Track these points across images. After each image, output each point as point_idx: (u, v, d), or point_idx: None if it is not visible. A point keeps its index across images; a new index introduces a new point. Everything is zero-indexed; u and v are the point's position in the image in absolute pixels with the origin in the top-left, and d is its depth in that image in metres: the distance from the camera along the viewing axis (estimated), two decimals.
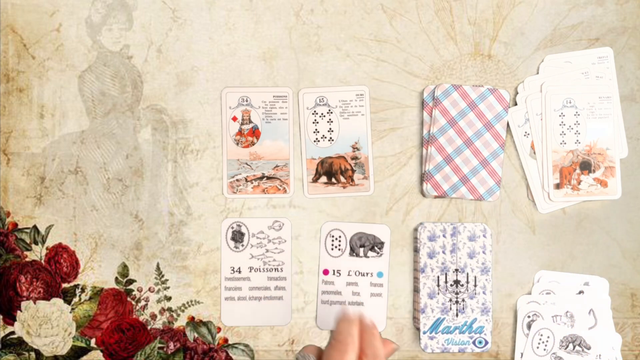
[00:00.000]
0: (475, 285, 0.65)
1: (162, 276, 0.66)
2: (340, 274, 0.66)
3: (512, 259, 0.67)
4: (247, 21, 0.66)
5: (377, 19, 0.66)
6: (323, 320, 0.66)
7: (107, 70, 0.66)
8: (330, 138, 0.65)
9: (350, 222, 0.66)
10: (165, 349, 0.66)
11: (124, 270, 0.66)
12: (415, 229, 0.66)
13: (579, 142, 0.65)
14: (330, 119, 0.65)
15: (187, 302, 0.66)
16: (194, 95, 0.66)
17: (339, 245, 0.66)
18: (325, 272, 0.66)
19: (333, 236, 0.66)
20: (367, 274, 0.66)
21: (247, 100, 0.66)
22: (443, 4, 0.66)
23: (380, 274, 0.65)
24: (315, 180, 0.65)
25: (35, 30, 0.66)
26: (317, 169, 0.65)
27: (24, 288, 0.66)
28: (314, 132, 0.65)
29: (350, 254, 0.66)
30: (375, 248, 0.65)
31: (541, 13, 0.67)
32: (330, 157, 0.65)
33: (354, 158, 0.66)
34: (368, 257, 0.65)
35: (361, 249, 0.65)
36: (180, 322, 0.66)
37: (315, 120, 0.65)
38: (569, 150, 0.65)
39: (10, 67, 0.66)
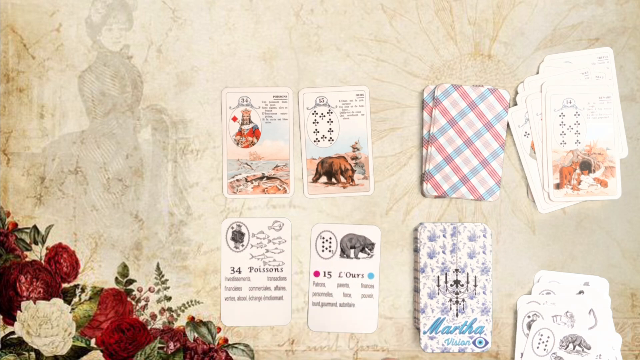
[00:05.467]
0: (475, 285, 0.65)
1: (162, 276, 0.66)
2: (331, 276, 0.66)
3: (512, 259, 0.67)
4: (247, 21, 0.66)
5: (377, 19, 0.66)
6: (314, 322, 0.66)
7: (107, 70, 0.66)
8: (330, 138, 0.65)
9: (342, 223, 0.66)
10: (165, 349, 0.66)
11: (124, 270, 0.66)
12: (415, 229, 0.66)
13: (579, 142, 0.65)
14: (330, 119, 0.65)
15: (187, 302, 0.66)
16: (194, 95, 0.66)
17: (330, 247, 0.66)
18: (316, 273, 0.66)
19: (324, 238, 0.66)
20: (357, 275, 0.66)
21: (247, 100, 0.66)
22: (443, 4, 0.66)
23: (371, 275, 0.65)
24: (315, 180, 0.65)
25: (35, 30, 0.66)
26: (317, 169, 0.65)
27: (24, 288, 0.66)
28: (314, 132, 0.65)
29: (341, 256, 0.66)
30: (366, 249, 0.65)
31: (541, 13, 0.67)
32: (330, 157, 0.65)
33: (354, 158, 0.65)
34: (359, 258, 0.65)
35: (352, 250, 0.65)
36: (180, 322, 0.66)
37: (315, 120, 0.65)
38: (569, 150, 0.65)
39: (10, 67, 0.66)
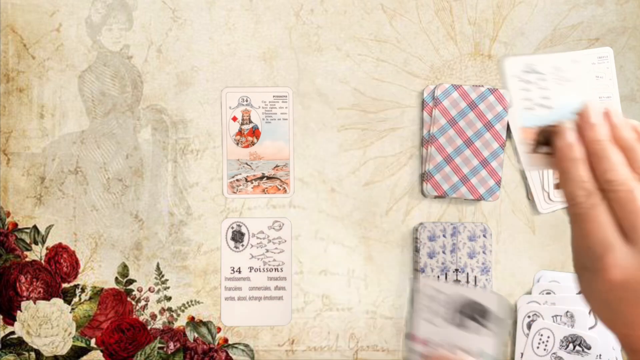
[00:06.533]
0: (475, 285, 0.65)
1: (162, 276, 0.66)
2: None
3: (512, 259, 0.67)
4: (247, 21, 0.66)
5: (377, 19, 0.66)
6: None
7: (107, 70, 0.66)
8: (549, 106, 0.55)
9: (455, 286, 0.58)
10: (165, 349, 0.66)
11: (124, 270, 0.66)
12: (416, 229, 0.66)
13: None
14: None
15: (187, 302, 0.66)
16: (194, 95, 0.66)
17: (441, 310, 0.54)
18: (415, 338, 0.55)
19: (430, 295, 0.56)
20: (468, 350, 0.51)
21: (247, 100, 0.66)
22: (443, 4, 0.66)
23: (485, 356, 0.50)
24: (534, 150, 0.55)
25: (35, 30, 0.66)
26: (535, 138, 0.54)
27: (24, 288, 0.66)
28: (526, 99, 0.54)
29: (452, 322, 0.50)
30: (478, 317, 0.50)
31: (541, 13, 0.67)
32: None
33: None
34: (468, 327, 0.50)
35: (459, 316, 0.51)
36: (180, 322, 0.66)
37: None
38: None
39: (10, 67, 0.66)
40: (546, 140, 0.51)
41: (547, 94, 0.53)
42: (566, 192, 0.45)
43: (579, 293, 0.45)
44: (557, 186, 0.65)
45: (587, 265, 0.43)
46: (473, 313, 0.51)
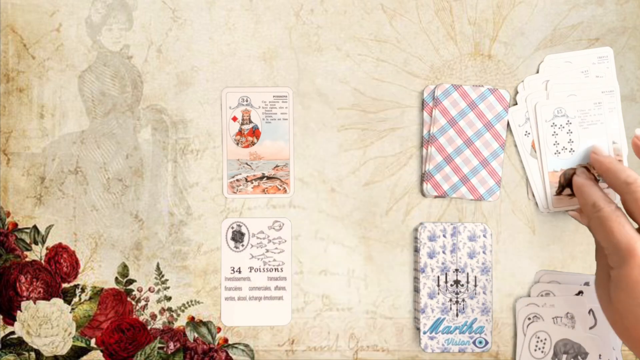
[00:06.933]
0: (475, 285, 0.65)
1: (162, 276, 0.66)
2: None
3: (512, 259, 0.67)
4: (247, 21, 0.66)
5: (377, 19, 0.66)
6: None
7: (107, 70, 0.66)
8: (571, 149, 0.63)
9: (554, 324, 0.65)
10: (165, 349, 0.66)
11: (124, 270, 0.66)
12: (415, 229, 0.66)
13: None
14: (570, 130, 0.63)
15: (187, 302, 0.66)
16: (194, 95, 0.66)
17: (543, 347, 0.65)
18: None
19: (538, 337, 0.65)
20: None
21: (247, 100, 0.66)
22: (443, 4, 0.66)
23: None
24: (559, 193, 0.64)
25: (35, 30, 0.66)
26: (559, 182, 0.64)
27: (24, 288, 0.66)
28: (554, 144, 0.63)
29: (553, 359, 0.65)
30: (579, 357, 0.64)
31: (541, 13, 0.67)
32: (571, 168, 0.64)
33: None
34: None
35: (564, 356, 0.64)
36: (180, 322, 0.66)
37: (554, 132, 0.63)
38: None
39: (10, 67, 0.66)
40: (567, 182, 0.64)
41: (572, 137, 0.62)
42: (589, 206, 0.57)
43: (605, 307, 0.55)
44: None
45: (615, 262, 0.52)
46: (573, 353, 0.64)
